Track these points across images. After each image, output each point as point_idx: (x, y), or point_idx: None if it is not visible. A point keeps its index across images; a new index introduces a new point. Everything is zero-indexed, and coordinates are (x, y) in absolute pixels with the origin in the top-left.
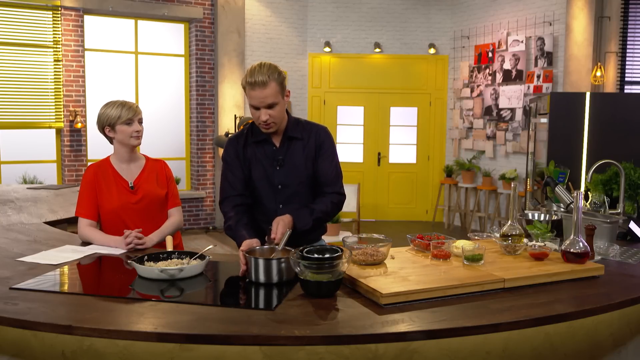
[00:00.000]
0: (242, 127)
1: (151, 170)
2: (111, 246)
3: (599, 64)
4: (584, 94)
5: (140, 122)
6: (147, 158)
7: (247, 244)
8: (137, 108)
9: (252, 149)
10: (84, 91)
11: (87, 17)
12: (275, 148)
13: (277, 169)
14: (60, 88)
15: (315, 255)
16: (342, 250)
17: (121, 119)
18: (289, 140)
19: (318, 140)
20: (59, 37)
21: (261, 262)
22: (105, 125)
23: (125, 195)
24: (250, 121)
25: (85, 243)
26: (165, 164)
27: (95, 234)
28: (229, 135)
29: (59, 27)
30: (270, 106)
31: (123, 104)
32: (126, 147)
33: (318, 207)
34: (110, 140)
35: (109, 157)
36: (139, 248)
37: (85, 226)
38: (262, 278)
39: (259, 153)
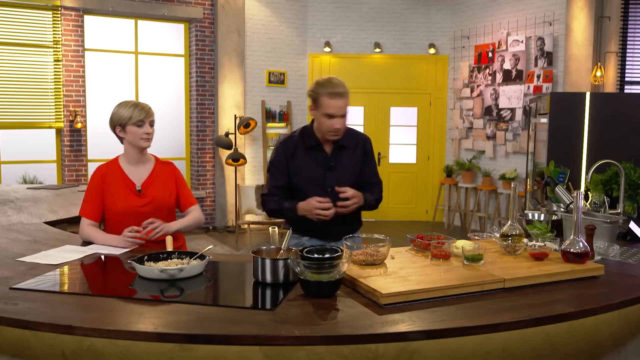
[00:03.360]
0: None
1: (159, 174)
2: (112, 245)
3: (599, 64)
4: (584, 94)
5: (151, 124)
6: (156, 160)
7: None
8: (149, 110)
9: (303, 154)
10: (84, 91)
11: (87, 17)
12: (325, 154)
13: (328, 173)
14: (60, 88)
15: (315, 255)
16: (342, 250)
17: (132, 120)
18: (339, 148)
19: (365, 149)
20: (59, 37)
21: (268, 262)
22: (117, 125)
23: (132, 199)
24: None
25: (86, 243)
26: (174, 166)
27: (97, 233)
28: (280, 139)
29: (59, 27)
30: (343, 115)
31: (136, 105)
32: (135, 148)
33: (372, 196)
34: (121, 140)
35: (118, 157)
36: (155, 238)
37: (87, 226)
38: (268, 278)
39: (309, 158)
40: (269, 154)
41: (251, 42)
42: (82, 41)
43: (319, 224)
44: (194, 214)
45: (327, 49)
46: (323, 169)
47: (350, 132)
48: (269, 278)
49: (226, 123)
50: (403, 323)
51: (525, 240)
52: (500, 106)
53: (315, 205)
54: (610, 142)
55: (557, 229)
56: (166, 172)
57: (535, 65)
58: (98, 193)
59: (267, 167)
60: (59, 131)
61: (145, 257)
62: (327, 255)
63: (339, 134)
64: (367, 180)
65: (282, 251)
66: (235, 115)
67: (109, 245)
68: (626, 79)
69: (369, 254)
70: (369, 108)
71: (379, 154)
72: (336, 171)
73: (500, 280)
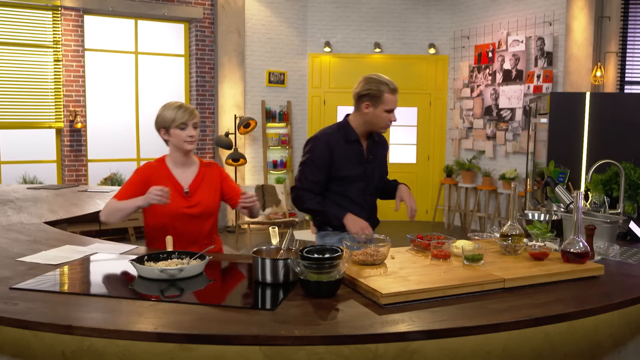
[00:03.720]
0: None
1: (206, 176)
2: (138, 205)
3: (599, 64)
4: (584, 94)
5: (195, 126)
6: (200, 162)
7: (354, 221)
8: (192, 111)
9: (344, 149)
10: (84, 91)
11: (87, 17)
12: (362, 148)
13: (367, 166)
14: (60, 88)
15: (315, 255)
16: (342, 250)
17: (175, 122)
18: (374, 142)
19: (386, 145)
20: (59, 37)
21: (268, 262)
22: (161, 127)
23: (179, 200)
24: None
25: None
26: (218, 166)
27: (120, 201)
28: (322, 132)
29: (59, 27)
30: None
31: (179, 107)
32: (180, 151)
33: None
34: (166, 142)
35: (164, 157)
36: (247, 206)
37: (107, 204)
38: (269, 278)
39: (349, 151)
40: (269, 154)
41: (251, 42)
42: (82, 41)
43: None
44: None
45: (327, 49)
46: (362, 162)
47: None
48: (269, 278)
49: (226, 123)
50: (403, 323)
51: (525, 240)
52: (500, 106)
53: (362, 227)
54: (610, 142)
55: (557, 229)
56: (211, 173)
57: (535, 65)
58: (137, 190)
59: (302, 161)
60: (59, 131)
61: (145, 257)
62: (327, 255)
63: (389, 127)
64: (385, 174)
65: (282, 251)
66: (235, 115)
67: (134, 206)
68: (626, 79)
69: (369, 254)
70: None
71: None
72: (372, 164)
73: (500, 280)
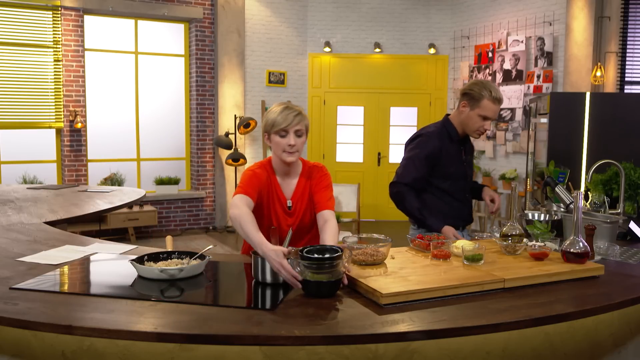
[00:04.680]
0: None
1: (306, 185)
2: (257, 249)
3: (599, 64)
4: (584, 94)
5: (298, 134)
6: (303, 167)
7: (451, 230)
8: (295, 117)
9: (449, 145)
10: (84, 91)
11: (87, 17)
12: (462, 148)
13: (465, 164)
14: (60, 88)
15: (315, 255)
16: (342, 250)
17: (274, 128)
18: (466, 142)
19: (473, 149)
20: (59, 37)
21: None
22: (264, 131)
23: (281, 216)
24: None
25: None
26: (323, 171)
27: (252, 227)
28: (428, 129)
29: (59, 27)
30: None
31: (284, 108)
32: (279, 158)
33: None
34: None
35: (270, 160)
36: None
37: (243, 205)
38: (269, 278)
39: (454, 149)
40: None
41: (251, 42)
42: (82, 41)
43: (459, 214)
44: (332, 223)
45: (327, 49)
46: (461, 160)
47: None
48: (269, 278)
49: (226, 123)
50: (403, 323)
51: (525, 240)
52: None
53: (455, 234)
54: (610, 142)
55: (557, 229)
56: (313, 180)
57: (535, 65)
58: (257, 186)
59: (407, 156)
60: (59, 131)
61: (145, 257)
62: (327, 255)
63: (481, 135)
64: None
65: None
66: (235, 115)
67: (253, 244)
68: (626, 79)
69: (369, 254)
70: (369, 108)
71: (379, 153)
72: (468, 164)
73: (500, 280)
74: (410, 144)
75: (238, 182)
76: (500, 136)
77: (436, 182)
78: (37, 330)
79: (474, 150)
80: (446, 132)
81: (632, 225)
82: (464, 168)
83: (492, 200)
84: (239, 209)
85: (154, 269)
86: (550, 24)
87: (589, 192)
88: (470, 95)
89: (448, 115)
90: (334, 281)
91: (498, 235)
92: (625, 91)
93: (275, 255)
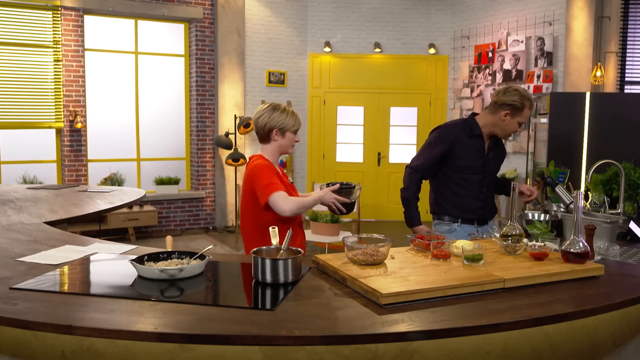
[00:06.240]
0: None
1: None
2: (315, 203)
3: (599, 64)
4: (584, 94)
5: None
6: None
7: (422, 229)
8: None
9: (466, 141)
10: (84, 91)
11: (87, 17)
12: (484, 144)
13: (486, 161)
14: (60, 88)
15: (346, 186)
16: (354, 185)
17: (293, 127)
18: (495, 143)
19: (505, 152)
20: (59, 37)
21: (268, 262)
22: (276, 128)
23: (295, 193)
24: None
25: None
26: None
27: (302, 199)
28: (447, 123)
29: (59, 27)
30: None
31: (294, 113)
32: (282, 152)
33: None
34: (266, 140)
35: (261, 155)
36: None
37: (287, 196)
38: (269, 278)
39: (471, 144)
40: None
41: (251, 42)
42: (82, 41)
43: (469, 207)
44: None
45: (327, 49)
46: (482, 157)
47: None
48: (269, 278)
49: (226, 123)
50: (403, 323)
51: (525, 240)
52: None
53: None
54: (610, 142)
55: (557, 229)
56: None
57: (535, 65)
58: (279, 177)
59: (424, 145)
60: (59, 131)
61: (145, 257)
62: (353, 185)
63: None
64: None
65: (282, 251)
66: (235, 115)
67: (313, 203)
68: (626, 79)
69: (369, 254)
70: (369, 108)
71: (379, 153)
72: (491, 160)
73: (500, 280)
74: (430, 134)
75: (260, 179)
76: None
77: (452, 174)
78: (37, 330)
79: (505, 153)
80: (467, 128)
81: (632, 225)
82: (482, 163)
83: (526, 190)
84: (288, 200)
85: (154, 269)
86: (550, 24)
87: (589, 192)
88: (513, 107)
89: (474, 114)
90: (353, 202)
91: (498, 235)
92: (625, 91)
93: (329, 194)
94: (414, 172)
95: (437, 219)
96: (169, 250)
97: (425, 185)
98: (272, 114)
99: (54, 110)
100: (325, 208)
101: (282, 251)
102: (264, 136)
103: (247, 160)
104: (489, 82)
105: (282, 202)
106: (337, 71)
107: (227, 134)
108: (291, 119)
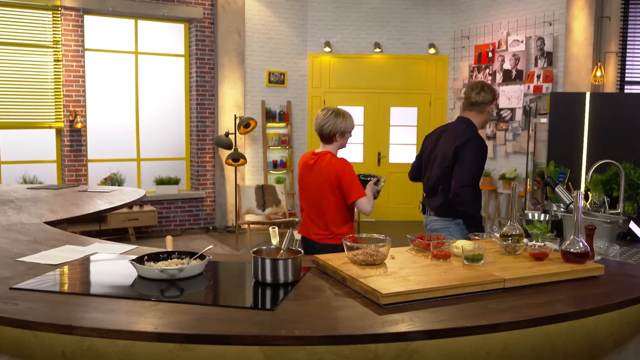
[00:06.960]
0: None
1: None
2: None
3: (599, 64)
4: (584, 94)
5: None
6: None
7: None
8: None
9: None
10: (84, 91)
11: (87, 17)
12: None
13: None
14: (60, 88)
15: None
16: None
17: (351, 130)
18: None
19: None
20: (59, 37)
21: (268, 262)
22: (341, 132)
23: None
24: None
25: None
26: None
27: (369, 196)
28: (473, 133)
29: (59, 27)
30: None
31: (350, 116)
32: (340, 149)
33: None
34: (329, 141)
35: (331, 152)
36: None
37: (369, 200)
38: (269, 278)
39: None
40: (269, 154)
41: (251, 42)
42: (82, 41)
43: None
44: None
45: (327, 49)
46: None
47: None
48: (269, 278)
49: (226, 123)
50: (403, 323)
51: (525, 240)
52: (500, 106)
53: None
54: (610, 142)
55: (557, 229)
56: None
57: (535, 65)
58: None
59: (473, 157)
60: (59, 131)
61: (145, 257)
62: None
63: None
64: None
65: (282, 251)
66: (235, 115)
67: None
68: (626, 79)
69: (369, 254)
70: (369, 108)
71: (379, 153)
72: None
73: (500, 280)
74: (468, 146)
75: (349, 179)
76: (500, 136)
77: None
78: (37, 330)
79: None
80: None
81: (632, 225)
82: None
83: None
84: (370, 202)
85: (154, 269)
86: (550, 24)
87: (589, 192)
88: (492, 100)
89: (467, 119)
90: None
91: (498, 235)
92: (625, 91)
93: (374, 187)
94: (475, 189)
95: (444, 221)
96: (169, 250)
97: (418, 186)
98: (335, 121)
99: (54, 110)
100: None
101: (282, 251)
102: (328, 139)
103: (247, 161)
104: (489, 82)
105: (366, 204)
106: (337, 71)
107: (227, 134)
108: (349, 123)
